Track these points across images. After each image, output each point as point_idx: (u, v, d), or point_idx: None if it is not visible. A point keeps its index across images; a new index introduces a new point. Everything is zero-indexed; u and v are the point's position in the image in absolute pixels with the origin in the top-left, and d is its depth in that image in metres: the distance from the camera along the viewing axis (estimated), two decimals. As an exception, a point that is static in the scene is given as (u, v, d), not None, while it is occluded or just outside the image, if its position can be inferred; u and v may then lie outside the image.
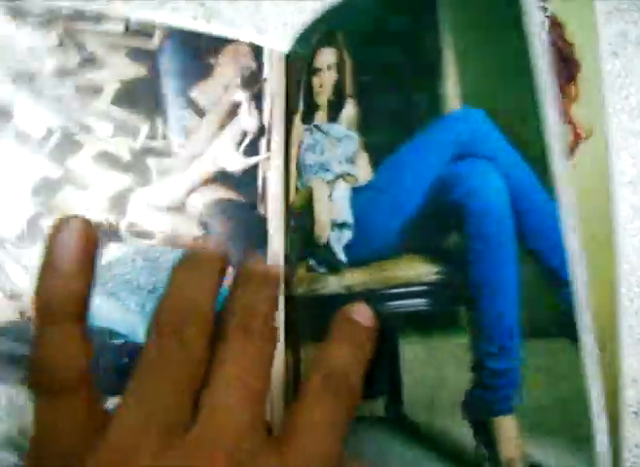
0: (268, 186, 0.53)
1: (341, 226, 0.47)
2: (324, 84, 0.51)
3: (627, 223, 0.51)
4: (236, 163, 0.53)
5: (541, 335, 0.37)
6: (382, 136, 0.47)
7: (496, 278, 0.38)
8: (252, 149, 0.54)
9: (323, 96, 0.51)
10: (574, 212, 0.35)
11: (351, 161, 0.48)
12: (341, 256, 0.47)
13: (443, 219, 0.40)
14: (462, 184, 0.39)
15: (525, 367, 0.37)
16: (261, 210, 0.53)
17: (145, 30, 0.52)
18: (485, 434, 0.37)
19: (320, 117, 0.52)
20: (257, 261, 0.37)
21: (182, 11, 0.55)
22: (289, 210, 0.53)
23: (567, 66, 0.39)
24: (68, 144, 0.48)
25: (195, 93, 0.53)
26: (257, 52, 0.55)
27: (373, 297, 0.44)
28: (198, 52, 0.53)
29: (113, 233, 0.48)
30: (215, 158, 0.52)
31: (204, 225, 0.51)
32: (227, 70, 0.54)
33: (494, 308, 0.38)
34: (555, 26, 0.39)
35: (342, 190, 0.48)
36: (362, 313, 0.38)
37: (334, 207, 0.48)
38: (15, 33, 0.48)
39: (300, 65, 0.54)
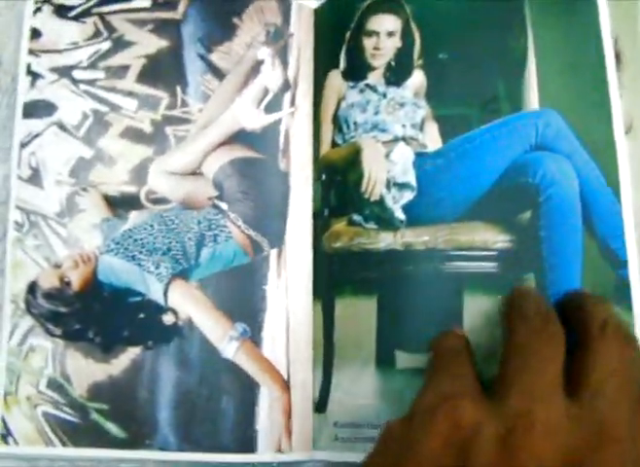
0: (292, 140, 0.51)
1: (402, 186, 0.49)
2: (382, 48, 0.52)
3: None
4: (257, 121, 0.51)
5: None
6: (454, 111, 0.50)
7: (565, 252, 0.44)
8: (274, 105, 0.52)
9: (380, 60, 0.53)
10: (632, 205, 0.44)
11: (419, 127, 0.51)
12: (399, 214, 0.48)
13: (516, 197, 0.47)
14: (539, 169, 0.46)
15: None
16: (281, 165, 0.50)
17: (170, 0, 0.54)
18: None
19: (374, 78, 0.53)
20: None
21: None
22: (320, 164, 0.50)
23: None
24: (99, 125, 0.52)
25: (216, 56, 0.53)
26: (285, 6, 0.53)
27: (434, 256, 0.47)
28: (222, 13, 0.54)
29: (134, 202, 0.51)
30: (234, 118, 0.52)
31: (219, 186, 0.51)
32: (251, 28, 0.53)
33: (561, 278, 0.44)
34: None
35: (405, 152, 0.50)
36: None
37: (392, 167, 0.49)
38: (60, 29, 0.54)
39: (337, 23, 0.52)
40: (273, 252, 0.49)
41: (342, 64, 0.52)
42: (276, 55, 0.53)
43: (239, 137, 0.52)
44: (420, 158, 0.49)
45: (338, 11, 0.52)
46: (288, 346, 0.48)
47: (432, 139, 0.50)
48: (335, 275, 0.49)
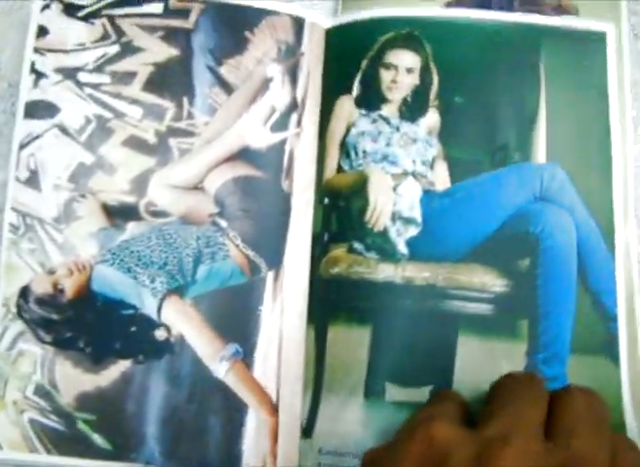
0: (295, 161, 0.51)
1: (407, 221, 0.49)
2: (399, 82, 0.53)
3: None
4: (263, 140, 0.51)
5: (587, 351, 0.46)
6: (464, 154, 0.51)
7: (558, 302, 0.46)
8: (280, 124, 0.51)
9: (396, 94, 0.53)
10: (624, 264, 0.46)
11: (429, 165, 0.52)
12: (402, 248, 0.49)
13: (517, 244, 0.48)
14: (540, 220, 0.47)
15: (570, 375, 0.45)
16: (284, 186, 0.50)
17: (183, 8, 0.53)
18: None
19: (388, 110, 0.53)
20: None
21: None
22: (323, 188, 0.50)
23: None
24: (102, 131, 0.52)
25: (226, 69, 0.52)
26: (297, 24, 0.53)
27: (433, 293, 0.48)
28: (234, 26, 0.53)
29: (133, 213, 0.50)
30: (240, 134, 0.51)
31: (220, 202, 0.51)
32: (262, 43, 0.53)
33: (554, 325, 0.46)
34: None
35: (413, 187, 0.50)
36: None
37: (399, 201, 0.49)
38: (67, 29, 0.53)
39: (352, 49, 0.52)
40: (270, 274, 0.49)
41: (356, 91, 0.52)
42: (286, 74, 0.52)
43: (243, 154, 0.51)
44: (428, 195, 0.50)
45: (353, 37, 0.52)
46: (279, 370, 0.48)
47: (440, 178, 0.51)
48: (330, 301, 0.49)
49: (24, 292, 0.49)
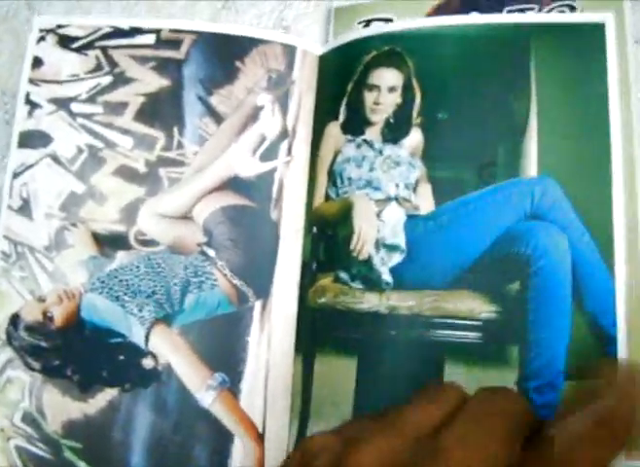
0: (285, 190, 0.51)
1: (391, 248, 0.48)
2: (382, 103, 0.52)
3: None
4: (252, 169, 0.52)
5: (583, 377, 0.43)
6: (449, 173, 0.49)
7: (552, 326, 0.43)
8: (270, 153, 0.52)
9: (379, 115, 0.52)
10: (625, 282, 0.42)
11: (412, 188, 0.51)
12: (387, 277, 0.48)
13: (507, 266, 0.46)
14: (532, 240, 0.44)
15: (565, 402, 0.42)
16: (273, 215, 0.51)
17: (174, 39, 0.54)
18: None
19: (372, 134, 0.52)
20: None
21: (202, 14, 0.56)
22: (312, 216, 0.51)
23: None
24: (93, 161, 0.52)
25: (216, 99, 0.53)
26: (289, 52, 0.53)
27: (418, 322, 0.47)
28: (225, 55, 0.54)
29: (123, 242, 0.51)
30: (229, 164, 0.52)
31: (209, 232, 0.51)
32: (253, 72, 0.53)
33: (547, 351, 0.43)
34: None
35: (396, 213, 0.49)
36: None
37: (383, 228, 0.49)
38: (61, 60, 0.54)
39: (341, 72, 0.52)
40: (258, 303, 0.49)
41: (342, 117, 0.52)
42: (276, 102, 0.53)
43: (232, 184, 0.52)
44: (412, 220, 0.49)
45: (343, 60, 0.52)
46: (266, 399, 0.48)
47: (424, 201, 0.49)
48: (317, 331, 0.49)
49: (14, 319, 0.50)
